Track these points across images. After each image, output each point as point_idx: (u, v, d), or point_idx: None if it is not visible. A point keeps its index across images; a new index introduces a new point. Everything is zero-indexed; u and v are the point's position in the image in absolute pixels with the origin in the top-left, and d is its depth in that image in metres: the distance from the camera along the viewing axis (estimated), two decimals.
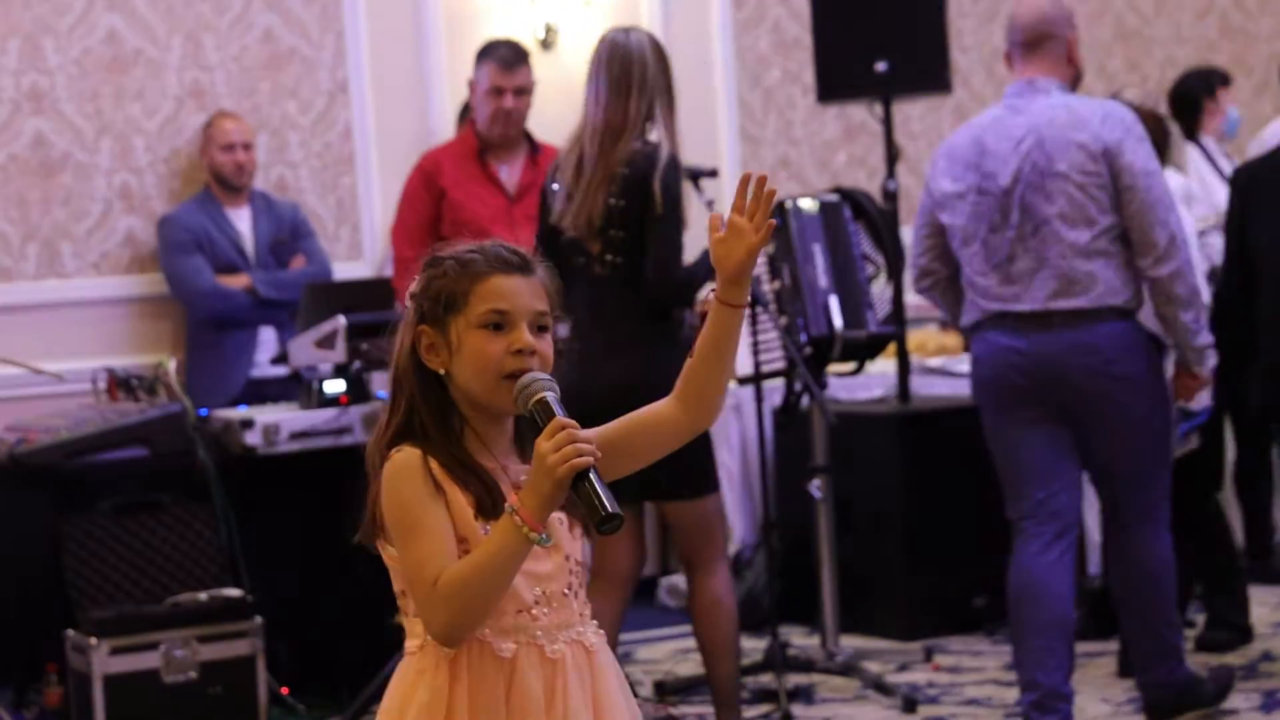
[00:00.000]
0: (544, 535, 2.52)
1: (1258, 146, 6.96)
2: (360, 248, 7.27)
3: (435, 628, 2.57)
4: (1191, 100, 7.28)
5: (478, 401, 2.64)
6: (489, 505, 2.57)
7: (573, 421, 2.53)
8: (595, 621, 2.70)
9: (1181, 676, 5.24)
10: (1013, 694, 5.70)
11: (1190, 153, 7.19)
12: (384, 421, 2.68)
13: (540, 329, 2.64)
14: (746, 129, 7.98)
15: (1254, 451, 6.89)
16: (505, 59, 6.20)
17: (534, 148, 6.34)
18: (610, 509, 2.48)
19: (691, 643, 6.65)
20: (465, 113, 7.06)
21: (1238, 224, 5.78)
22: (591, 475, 2.50)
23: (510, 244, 2.70)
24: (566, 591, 2.64)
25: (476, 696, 2.59)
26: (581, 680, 2.64)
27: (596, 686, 2.66)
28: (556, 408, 2.55)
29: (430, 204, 6.26)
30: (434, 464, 2.59)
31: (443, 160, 6.32)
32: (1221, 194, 6.84)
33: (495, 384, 2.61)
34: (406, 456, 2.60)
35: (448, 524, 2.57)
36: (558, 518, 2.61)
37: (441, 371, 2.65)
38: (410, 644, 2.65)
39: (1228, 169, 6.94)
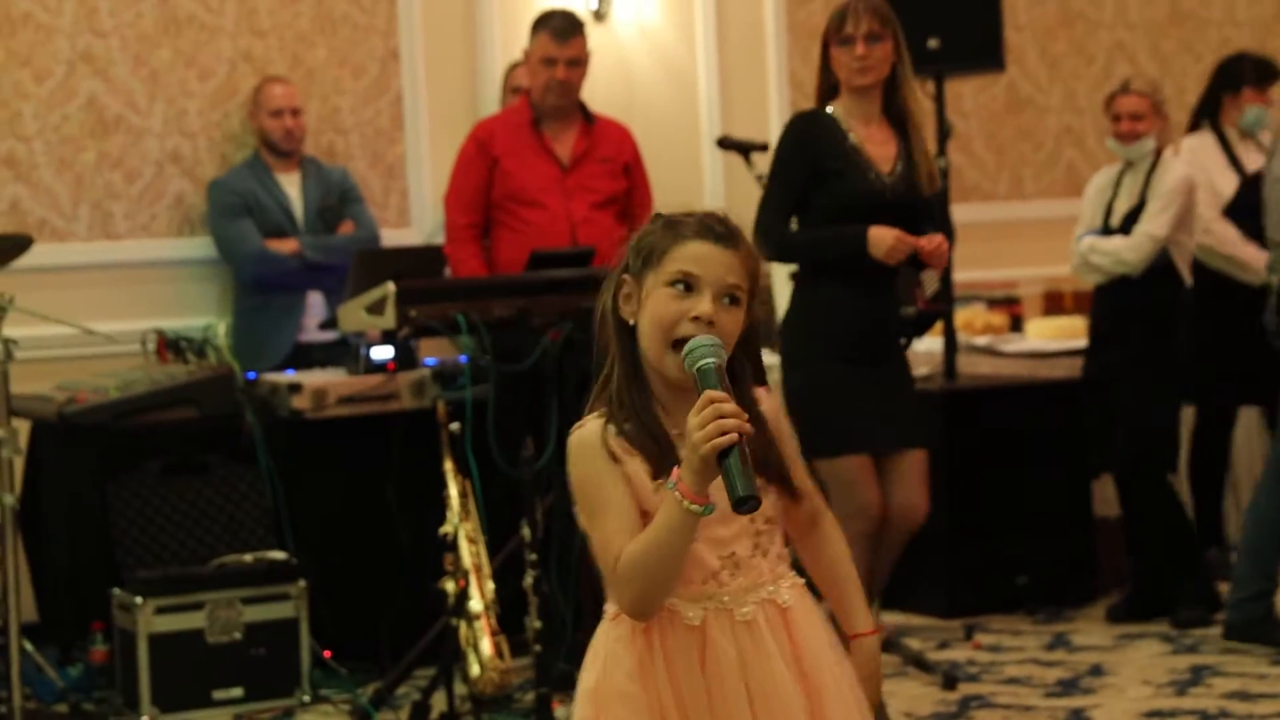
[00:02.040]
0: (708, 506, 2.52)
1: None
2: (409, 215, 7.28)
3: (624, 606, 2.61)
4: (1214, 92, 7.04)
5: (650, 365, 2.65)
6: (665, 468, 2.57)
7: (722, 394, 2.51)
8: (793, 573, 2.71)
9: (1264, 612, 5.77)
10: (1054, 674, 5.69)
11: (1193, 141, 6.95)
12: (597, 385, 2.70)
13: (731, 301, 2.64)
14: (798, 104, 7.95)
15: (1214, 438, 6.99)
16: (559, 29, 6.20)
17: (588, 118, 6.33)
18: (743, 491, 2.47)
19: None
20: (506, 84, 7.08)
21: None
22: (734, 453, 2.48)
23: (725, 215, 2.71)
24: (753, 551, 2.66)
25: (672, 664, 2.62)
26: (778, 639, 2.66)
27: (797, 641, 2.68)
28: (712, 378, 2.54)
29: (484, 172, 6.27)
30: (612, 434, 2.62)
31: (497, 129, 6.33)
32: (1222, 183, 6.78)
33: (664, 347, 2.62)
34: (586, 433, 2.64)
35: (627, 499, 2.59)
36: None
37: (631, 322, 2.67)
38: (609, 609, 2.69)
39: (1249, 161, 6.85)
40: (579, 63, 6.22)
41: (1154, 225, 6.19)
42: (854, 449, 5.11)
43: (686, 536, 2.55)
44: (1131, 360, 6.21)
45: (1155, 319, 6.21)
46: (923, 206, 5.19)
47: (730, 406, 2.50)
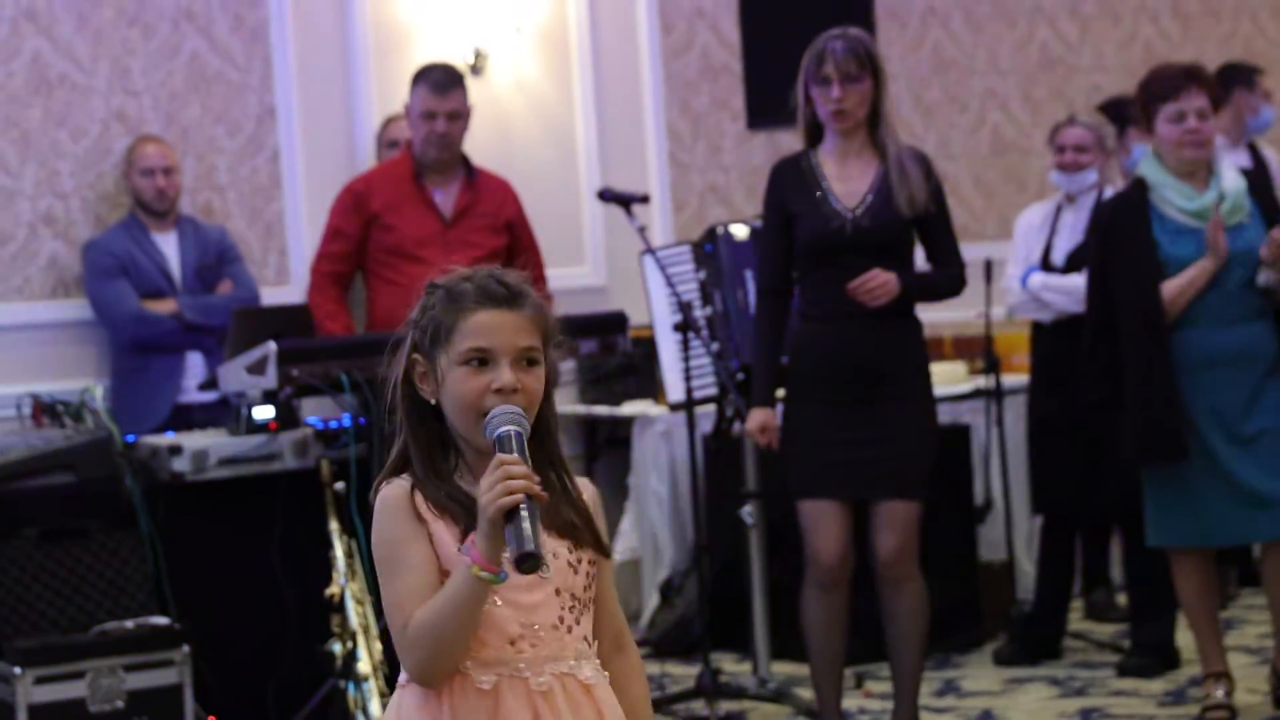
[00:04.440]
0: (499, 574, 2.49)
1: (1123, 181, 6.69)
2: (288, 272, 7.22)
3: (409, 670, 2.56)
4: None
5: (462, 436, 2.62)
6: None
7: (512, 457, 2.49)
8: (597, 662, 2.65)
9: None
10: (945, 719, 5.70)
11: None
12: (392, 454, 2.65)
13: (530, 362, 2.60)
14: (676, 155, 7.99)
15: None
16: (438, 83, 6.18)
17: (471, 172, 6.31)
18: (525, 548, 2.45)
19: None
20: (381, 138, 7.06)
21: (1099, 265, 5.48)
22: (522, 512, 2.46)
23: (503, 273, 2.66)
24: (557, 624, 2.60)
25: None
26: (579, 714, 2.59)
27: (604, 715, 2.62)
28: (512, 443, 2.52)
29: (357, 224, 6.23)
30: (419, 496, 2.57)
31: (375, 182, 6.29)
32: None
33: (475, 421, 2.58)
34: (393, 491, 2.59)
35: (427, 561, 2.55)
36: (553, 550, 2.58)
37: (433, 402, 2.62)
38: (402, 677, 2.62)
39: None
40: (459, 116, 6.20)
41: None
42: (811, 494, 5.12)
43: (476, 604, 2.51)
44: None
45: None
46: (898, 239, 5.10)
47: (520, 469, 2.47)
